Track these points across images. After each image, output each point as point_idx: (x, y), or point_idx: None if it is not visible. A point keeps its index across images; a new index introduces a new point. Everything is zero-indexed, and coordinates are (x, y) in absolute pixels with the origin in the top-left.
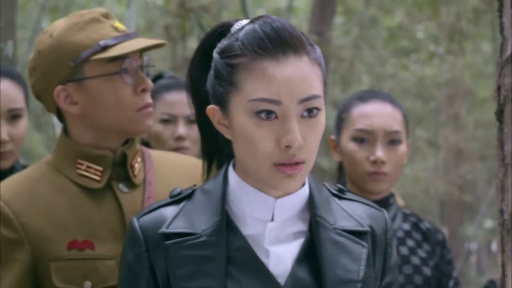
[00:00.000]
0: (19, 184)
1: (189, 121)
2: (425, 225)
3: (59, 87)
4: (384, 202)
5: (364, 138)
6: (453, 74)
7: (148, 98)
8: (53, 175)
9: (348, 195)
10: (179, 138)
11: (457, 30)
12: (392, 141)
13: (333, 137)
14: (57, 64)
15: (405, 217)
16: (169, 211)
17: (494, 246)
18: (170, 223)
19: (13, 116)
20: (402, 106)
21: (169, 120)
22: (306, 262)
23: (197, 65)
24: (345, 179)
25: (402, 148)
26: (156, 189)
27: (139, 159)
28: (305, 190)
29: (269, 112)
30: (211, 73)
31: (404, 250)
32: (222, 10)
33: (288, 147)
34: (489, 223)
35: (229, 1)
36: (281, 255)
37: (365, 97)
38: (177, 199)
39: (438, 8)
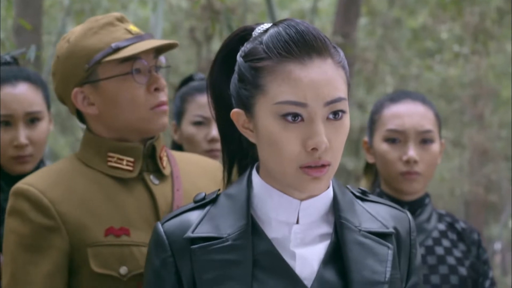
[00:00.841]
0: (51, 176)
1: None
2: (460, 225)
3: (76, 89)
4: (419, 203)
5: (396, 138)
6: (477, 74)
7: (162, 97)
8: (85, 168)
9: (371, 197)
10: (213, 140)
11: (481, 30)
12: (424, 140)
13: (366, 139)
14: (74, 68)
15: (440, 218)
16: (194, 216)
17: None
18: (196, 227)
19: (31, 119)
20: (434, 105)
21: (202, 122)
22: (332, 264)
23: (218, 69)
24: (380, 181)
25: (435, 147)
26: (183, 183)
27: (165, 153)
28: (329, 192)
29: (296, 115)
30: (234, 76)
31: (439, 250)
32: (247, 12)
33: (314, 149)
34: None
35: (254, 4)
36: (307, 257)
37: (396, 97)
38: (201, 203)
39: (462, 9)
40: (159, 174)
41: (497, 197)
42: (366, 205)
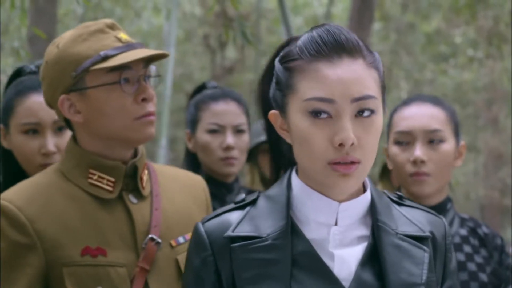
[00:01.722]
0: (30, 191)
1: (237, 131)
2: (483, 230)
3: (62, 96)
4: (441, 207)
5: (404, 140)
6: (492, 78)
7: (150, 107)
8: (63, 182)
9: (407, 202)
10: (228, 148)
11: (495, 34)
12: (432, 140)
13: (386, 145)
14: (61, 74)
15: (463, 222)
16: (234, 216)
17: None
18: (236, 227)
19: (59, 127)
20: (449, 106)
21: (217, 130)
22: (370, 266)
23: (267, 78)
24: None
25: (446, 147)
26: (162, 201)
27: (146, 172)
28: (367, 195)
29: (323, 112)
30: (273, 80)
31: (460, 257)
32: (261, 18)
33: (341, 145)
34: None
35: (267, 10)
36: (345, 258)
37: (408, 101)
38: (241, 205)
39: (476, 12)
40: (138, 194)
41: None
42: (403, 209)
